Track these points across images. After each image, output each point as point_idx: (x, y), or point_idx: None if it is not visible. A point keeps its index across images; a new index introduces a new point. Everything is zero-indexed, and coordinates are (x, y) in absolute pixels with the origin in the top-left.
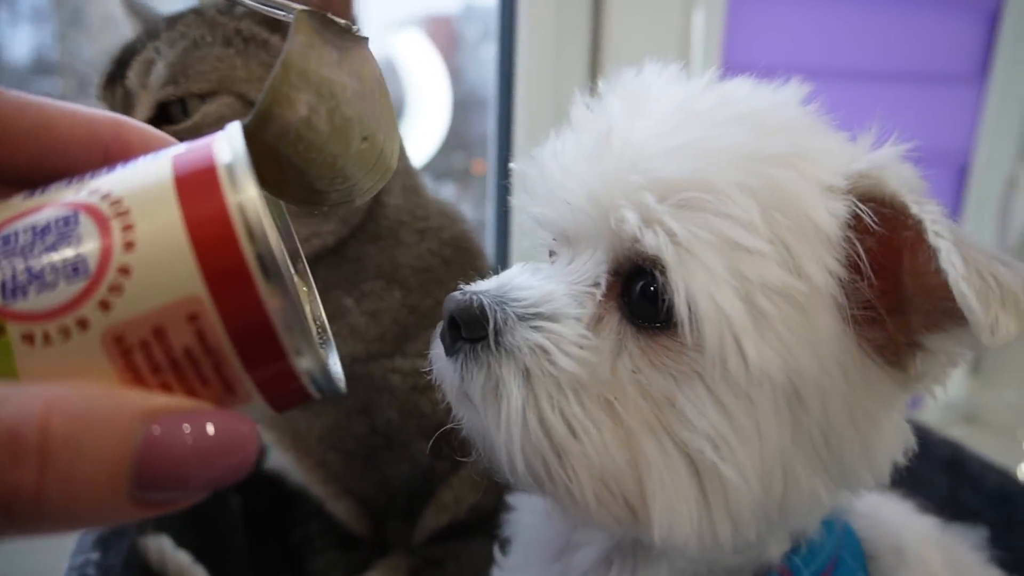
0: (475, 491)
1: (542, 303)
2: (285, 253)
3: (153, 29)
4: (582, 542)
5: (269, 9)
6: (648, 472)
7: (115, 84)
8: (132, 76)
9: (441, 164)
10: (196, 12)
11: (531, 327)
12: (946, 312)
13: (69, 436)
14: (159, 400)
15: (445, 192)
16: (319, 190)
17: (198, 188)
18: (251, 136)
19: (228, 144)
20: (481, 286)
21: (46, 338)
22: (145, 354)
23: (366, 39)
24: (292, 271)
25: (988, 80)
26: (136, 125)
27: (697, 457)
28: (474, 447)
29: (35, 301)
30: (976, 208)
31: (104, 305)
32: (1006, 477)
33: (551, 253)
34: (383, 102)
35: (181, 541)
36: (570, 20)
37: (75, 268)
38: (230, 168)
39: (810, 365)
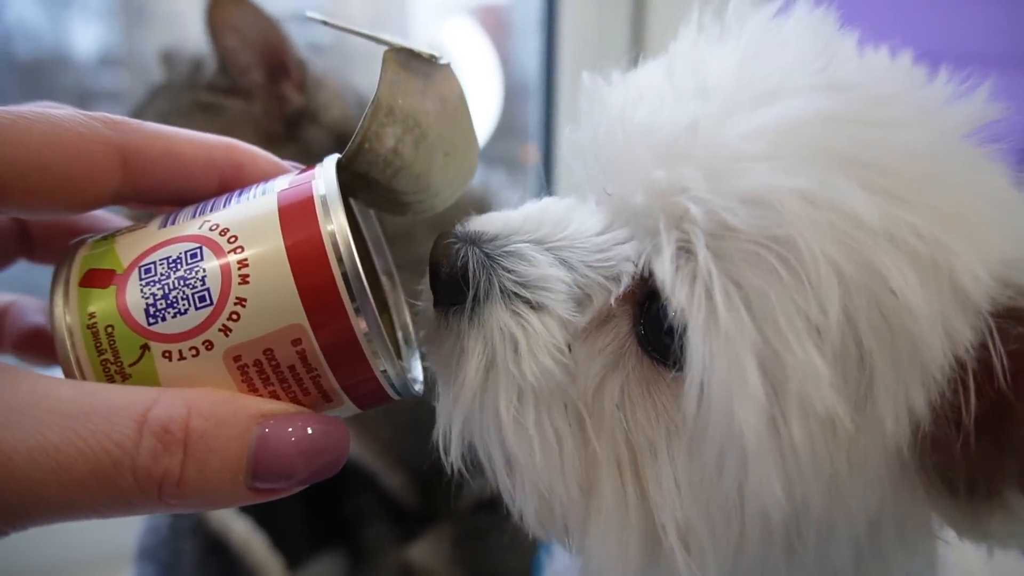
0: None
1: (535, 285)
2: (364, 277)
3: (137, 109)
4: None
5: (356, 33)
6: (598, 513)
7: None
8: None
9: (492, 151)
10: (166, 86)
11: (512, 310)
12: None
13: (204, 433)
14: (269, 405)
15: (495, 179)
16: (405, 202)
17: (298, 221)
18: (346, 166)
19: (323, 179)
20: (486, 226)
21: (180, 355)
22: (258, 370)
23: (448, 64)
24: (370, 292)
25: None
26: (246, 148)
27: (657, 531)
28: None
29: (171, 324)
30: None
31: (225, 330)
32: None
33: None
34: (464, 118)
35: (242, 510)
36: (612, 9)
37: (201, 298)
38: (324, 200)
39: (824, 508)
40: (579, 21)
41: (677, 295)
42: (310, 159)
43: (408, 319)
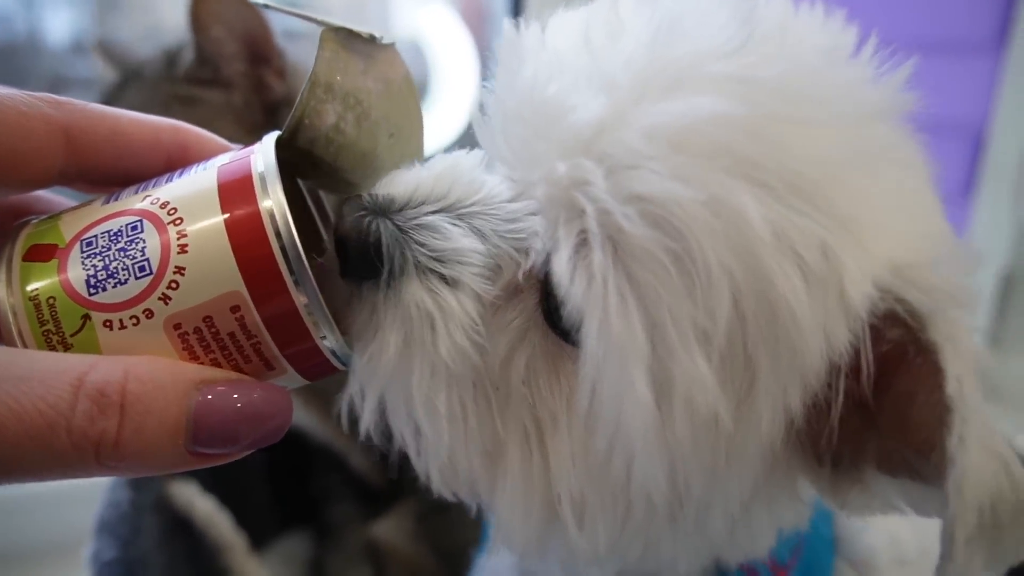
0: None
1: (450, 260)
2: (302, 250)
3: (108, 96)
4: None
5: (303, 20)
6: (504, 479)
7: None
8: None
9: (471, 139)
10: (141, 79)
11: (428, 286)
12: (908, 465)
13: (141, 396)
14: (210, 372)
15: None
16: (352, 181)
17: (236, 196)
18: (286, 143)
19: (262, 156)
20: (396, 190)
21: (121, 324)
22: (198, 337)
23: (391, 45)
24: (309, 265)
25: (1005, 51)
26: (193, 130)
27: (553, 500)
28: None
29: (112, 294)
30: (992, 177)
31: (164, 299)
32: None
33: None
34: (410, 99)
35: (207, 488)
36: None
37: (141, 268)
38: (262, 177)
39: (703, 490)
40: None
41: (573, 294)
42: None
43: None
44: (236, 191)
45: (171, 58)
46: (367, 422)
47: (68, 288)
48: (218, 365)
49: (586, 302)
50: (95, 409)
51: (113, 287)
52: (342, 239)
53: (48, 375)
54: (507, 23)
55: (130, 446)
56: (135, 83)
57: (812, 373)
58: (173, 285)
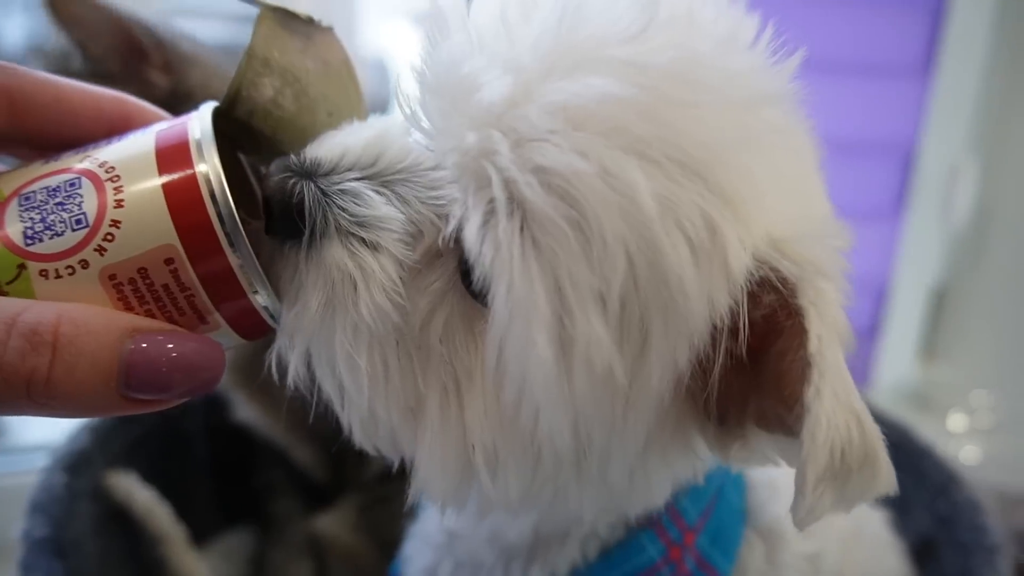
0: None
1: (371, 225)
2: (237, 217)
3: None
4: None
5: (242, 2)
6: (423, 432)
7: None
8: None
9: None
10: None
11: (349, 248)
12: (781, 420)
13: (73, 338)
14: (143, 321)
15: None
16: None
17: (173, 159)
18: (225, 114)
19: (199, 122)
20: (324, 154)
21: (56, 273)
22: (133, 288)
23: (330, 28)
24: (242, 226)
25: (933, 74)
26: (135, 102)
27: (466, 452)
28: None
29: (48, 245)
30: (922, 195)
31: (100, 250)
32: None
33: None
34: (348, 80)
35: (147, 480)
36: None
37: (78, 221)
38: (199, 143)
39: (603, 440)
40: None
41: (482, 261)
42: None
43: None
44: (174, 155)
45: (67, 56)
46: (293, 374)
47: (5, 239)
48: (152, 316)
49: (494, 267)
50: (27, 346)
51: (50, 239)
52: (267, 198)
53: None
54: None
55: (61, 385)
56: None
57: (697, 334)
58: (109, 237)
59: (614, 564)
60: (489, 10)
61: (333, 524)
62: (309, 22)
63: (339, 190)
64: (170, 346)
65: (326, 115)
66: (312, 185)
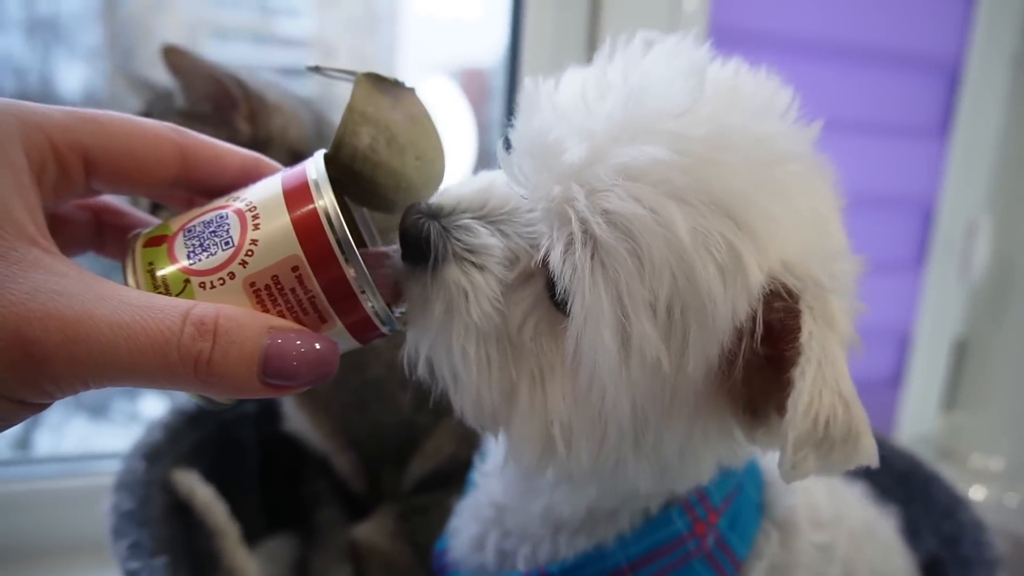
0: (454, 441)
1: (479, 251)
2: (351, 238)
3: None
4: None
5: (339, 76)
6: (516, 411)
7: None
8: None
9: None
10: (148, 113)
11: (463, 269)
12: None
13: (229, 329)
14: (278, 321)
15: None
16: (388, 198)
17: (297, 197)
18: (332, 159)
19: (314, 166)
20: (444, 201)
21: (212, 284)
22: (268, 292)
23: (414, 88)
24: (356, 248)
25: (950, 134)
26: (268, 161)
27: (548, 427)
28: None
29: (205, 263)
30: (941, 248)
31: (243, 264)
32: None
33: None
34: (432, 132)
35: (207, 479)
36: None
37: (226, 243)
38: (316, 183)
39: (656, 419)
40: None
41: (563, 279)
42: None
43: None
44: (296, 192)
45: (170, 95)
46: (420, 370)
47: (174, 260)
48: (283, 316)
49: (572, 283)
50: (196, 333)
51: (206, 258)
52: (403, 233)
53: (165, 307)
54: (528, 80)
55: (218, 367)
56: (157, 111)
57: (724, 333)
58: (249, 253)
59: (646, 533)
60: (572, 90)
61: (372, 531)
62: (396, 83)
63: (456, 226)
64: (298, 342)
65: (414, 159)
66: (436, 223)
